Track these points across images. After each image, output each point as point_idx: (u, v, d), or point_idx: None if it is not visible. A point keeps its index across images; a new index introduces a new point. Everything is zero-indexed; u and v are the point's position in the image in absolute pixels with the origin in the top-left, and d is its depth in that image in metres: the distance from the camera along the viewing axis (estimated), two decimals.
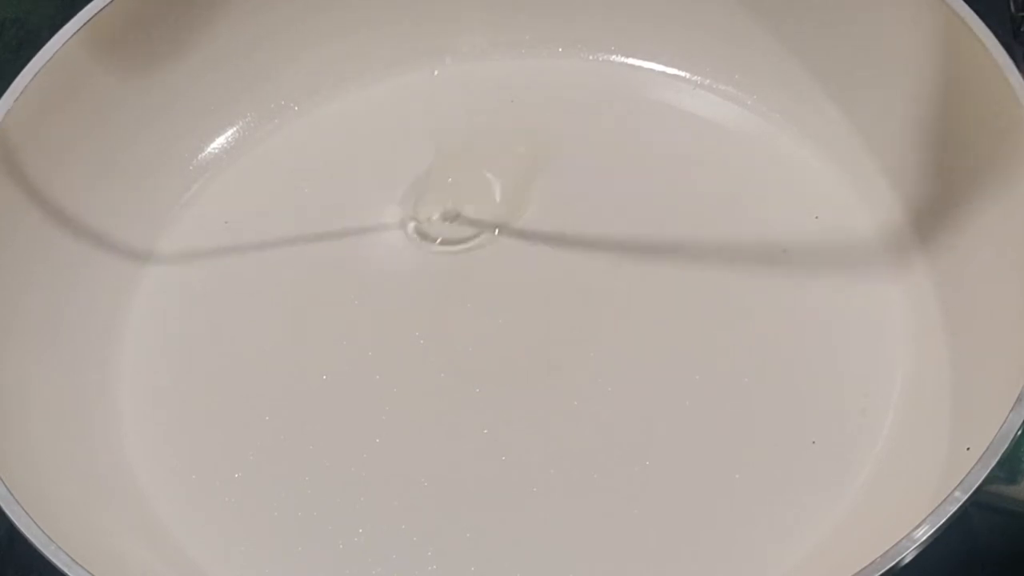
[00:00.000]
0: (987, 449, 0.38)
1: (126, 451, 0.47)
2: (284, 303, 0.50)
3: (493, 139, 0.54)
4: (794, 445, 0.44)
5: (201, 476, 0.46)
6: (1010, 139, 0.44)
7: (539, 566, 0.43)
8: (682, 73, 0.55)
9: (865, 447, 0.44)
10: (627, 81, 0.55)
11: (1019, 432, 0.38)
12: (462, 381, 0.47)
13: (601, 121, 0.54)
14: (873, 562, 0.36)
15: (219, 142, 0.55)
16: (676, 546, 0.43)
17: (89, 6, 0.50)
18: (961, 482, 0.37)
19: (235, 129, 0.55)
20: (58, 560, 0.38)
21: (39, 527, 0.39)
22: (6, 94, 0.48)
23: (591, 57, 0.56)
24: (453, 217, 0.52)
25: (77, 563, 0.38)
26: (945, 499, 0.37)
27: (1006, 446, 0.38)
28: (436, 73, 0.49)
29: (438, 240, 0.51)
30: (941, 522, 0.37)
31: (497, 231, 0.51)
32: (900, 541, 0.37)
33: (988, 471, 0.37)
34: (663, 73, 0.55)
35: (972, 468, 0.37)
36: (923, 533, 0.37)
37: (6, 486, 0.40)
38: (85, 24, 0.50)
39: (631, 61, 0.56)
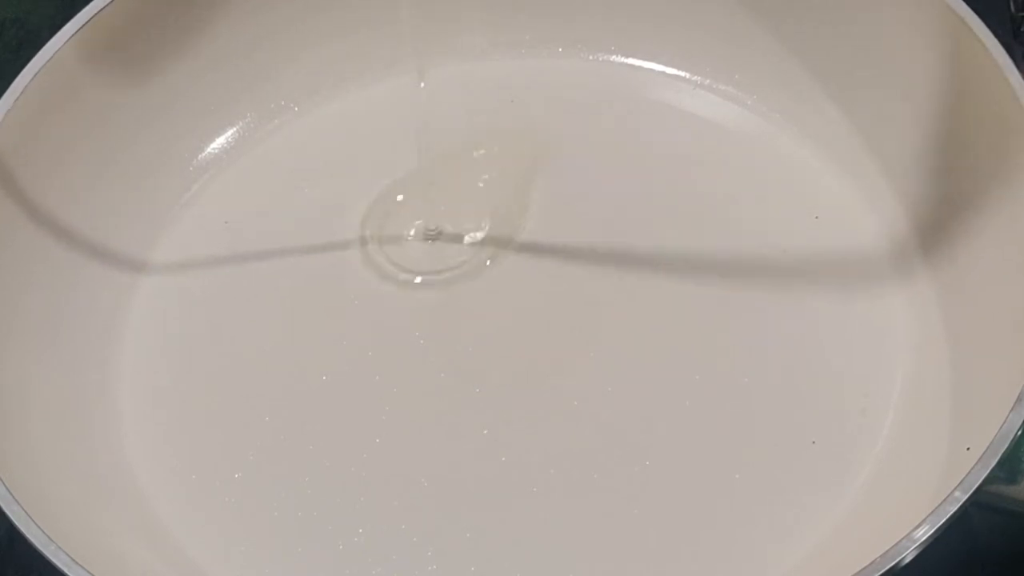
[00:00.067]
0: (987, 449, 0.38)
1: (126, 451, 0.47)
2: (284, 303, 0.50)
3: (493, 139, 0.54)
4: (794, 445, 0.44)
5: (201, 476, 0.46)
6: (1010, 139, 0.44)
7: (539, 566, 0.43)
8: (682, 73, 0.55)
9: (865, 447, 0.44)
10: (627, 81, 0.55)
11: (1019, 432, 0.38)
12: (462, 381, 0.47)
13: (601, 121, 0.54)
14: (873, 562, 0.36)
15: (219, 142, 0.55)
16: (676, 546, 0.43)
17: (89, 6, 0.50)
18: (961, 482, 0.37)
19: (235, 129, 0.55)
20: (58, 560, 0.38)
21: (39, 527, 0.39)
22: (6, 94, 0.48)
23: (591, 57, 0.56)
24: (452, 219, 0.52)
25: (77, 563, 0.38)
26: (945, 499, 0.37)
27: (1006, 446, 0.38)
28: (423, 85, 0.49)
29: (438, 241, 0.51)
30: (941, 522, 0.37)
31: (498, 232, 0.51)
32: (900, 541, 0.37)
33: (988, 471, 0.37)
34: (663, 73, 0.55)
35: (972, 468, 0.37)
36: (923, 533, 0.37)
37: (6, 486, 0.40)
38: (85, 24, 0.50)
39: (631, 61, 0.56)
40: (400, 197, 0.52)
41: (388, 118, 0.55)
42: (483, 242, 0.51)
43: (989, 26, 0.46)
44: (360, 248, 0.51)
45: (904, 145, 0.49)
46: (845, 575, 0.36)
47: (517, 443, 0.45)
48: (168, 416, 0.48)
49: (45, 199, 0.49)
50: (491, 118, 0.55)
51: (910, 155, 0.49)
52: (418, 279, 0.50)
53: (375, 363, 0.48)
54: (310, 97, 0.56)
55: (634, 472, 0.44)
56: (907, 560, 0.37)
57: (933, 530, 0.37)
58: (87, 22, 0.50)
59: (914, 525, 0.37)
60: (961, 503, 0.37)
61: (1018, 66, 0.44)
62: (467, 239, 0.51)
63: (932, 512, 0.37)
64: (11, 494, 0.40)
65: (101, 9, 0.50)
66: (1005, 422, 0.38)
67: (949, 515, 0.37)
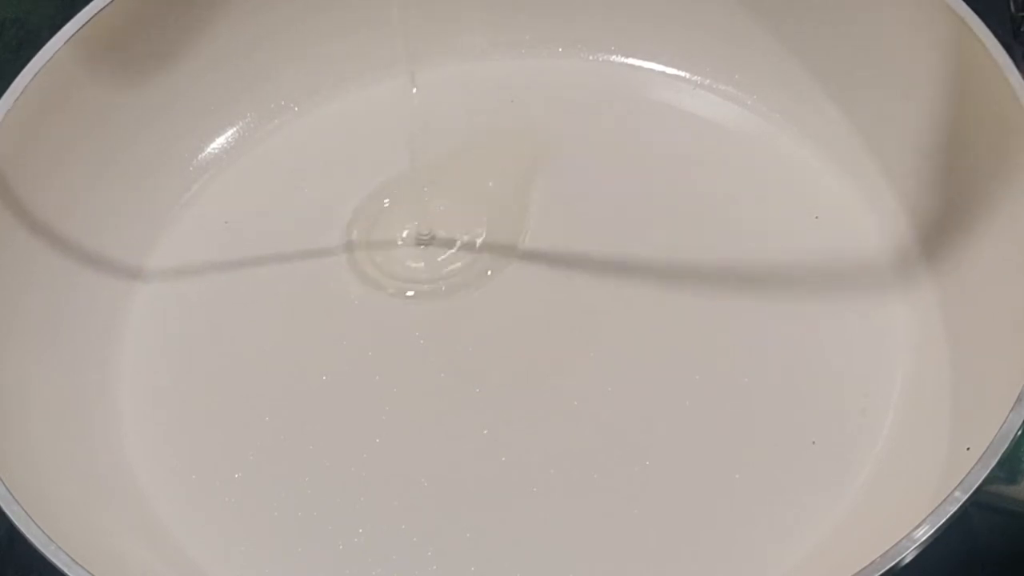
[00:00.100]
0: (987, 449, 0.38)
1: (126, 451, 0.47)
2: (284, 303, 0.50)
3: (493, 139, 0.54)
4: (794, 445, 0.44)
5: (201, 476, 0.46)
6: (1010, 139, 0.44)
7: (539, 566, 0.43)
8: (682, 73, 0.55)
9: (865, 447, 0.44)
10: (627, 81, 0.55)
11: (1019, 432, 0.38)
12: (462, 381, 0.47)
13: (601, 121, 0.54)
14: (873, 562, 0.36)
15: (219, 142, 0.55)
16: (676, 546, 0.43)
17: (89, 6, 0.50)
18: (961, 482, 0.37)
19: (235, 129, 0.55)
20: (58, 560, 0.38)
21: (39, 527, 0.39)
22: (6, 94, 0.48)
23: (591, 57, 0.56)
24: (451, 220, 0.52)
25: (77, 563, 0.38)
26: (945, 499, 0.37)
27: (1006, 446, 0.38)
28: (415, 91, 0.49)
29: (436, 245, 0.51)
30: (941, 522, 0.37)
31: (498, 232, 0.51)
32: (900, 541, 0.37)
33: (988, 471, 0.37)
34: (663, 73, 0.55)
35: (972, 468, 0.37)
36: (923, 533, 0.37)
37: (6, 486, 0.40)
38: (85, 24, 0.50)
39: (631, 61, 0.56)
40: (386, 202, 0.52)
41: (388, 118, 0.55)
42: (483, 242, 0.51)
43: (989, 26, 0.46)
44: (360, 248, 0.51)
45: (904, 145, 0.49)
46: (845, 575, 0.36)
47: (517, 443, 0.45)
48: (168, 416, 0.48)
49: (45, 199, 0.49)
50: (491, 118, 0.55)
51: (910, 155, 0.49)
52: (413, 290, 0.50)
53: (375, 363, 0.48)
54: (310, 97, 0.56)
55: (634, 472, 0.44)
56: (907, 560, 0.37)
57: (933, 530, 0.37)
58: (87, 22, 0.50)
59: (914, 525, 0.37)
60: (961, 503, 0.37)
61: (1018, 66, 0.44)
62: (466, 241, 0.51)
63: (932, 512, 0.37)
64: (11, 494, 0.40)
65: (101, 9, 0.50)
66: (1005, 422, 0.38)
67: (949, 515, 0.37)
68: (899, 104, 0.49)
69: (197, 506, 0.45)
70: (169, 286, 0.51)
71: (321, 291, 0.50)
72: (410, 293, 0.50)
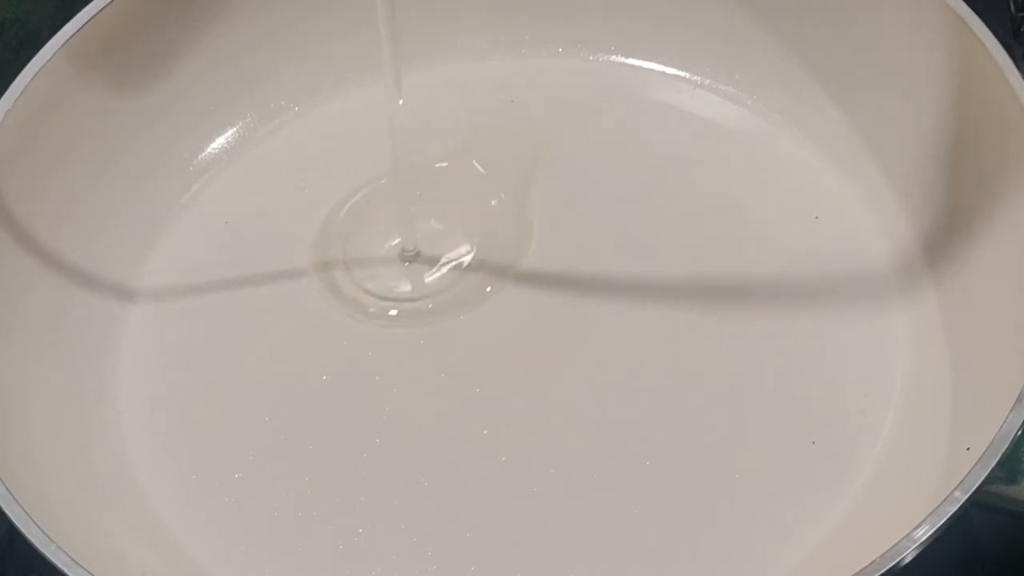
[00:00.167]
0: (987, 449, 0.38)
1: (126, 451, 0.47)
2: (284, 303, 0.50)
3: (493, 139, 0.54)
4: (794, 445, 0.44)
5: (201, 476, 0.46)
6: (1010, 139, 0.44)
7: (539, 566, 0.43)
8: (682, 73, 0.55)
9: (865, 447, 0.44)
10: (627, 81, 0.55)
11: (1019, 432, 0.38)
12: (462, 381, 0.47)
13: (601, 121, 0.54)
14: (873, 562, 0.36)
15: (219, 142, 0.55)
16: (676, 546, 0.43)
17: (89, 7, 0.50)
18: (961, 482, 0.37)
19: (235, 129, 0.55)
20: (58, 560, 0.38)
21: (39, 527, 0.39)
22: (6, 95, 0.48)
23: (591, 57, 0.56)
24: (450, 221, 0.52)
25: (77, 563, 0.38)
26: (945, 499, 0.37)
27: (1006, 446, 0.38)
28: (401, 103, 0.49)
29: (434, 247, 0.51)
30: (941, 522, 0.37)
31: (498, 232, 0.51)
32: (900, 541, 0.37)
33: (988, 471, 0.37)
34: (663, 73, 0.55)
35: (972, 468, 0.37)
36: (923, 533, 0.37)
37: (6, 486, 0.40)
38: (85, 24, 0.50)
39: (631, 61, 0.56)
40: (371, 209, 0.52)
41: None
42: (483, 243, 0.51)
43: (989, 26, 0.46)
44: (360, 248, 0.51)
45: (904, 145, 0.49)
46: (845, 575, 0.36)
47: (517, 443, 0.45)
48: (168, 416, 0.48)
49: (44, 199, 0.49)
50: (491, 118, 0.55)
51: (910, 155, 0.49)
52: (409, 296, 0.50)
53: (375, 363, 0.48)
54: (310, 97, 0.56)
55: (634, 472, 0.44)
56: (907, 560, 0.37)
57: (933, 530, 0.37)
58: (87, 22, 0.50)
59: (914, 525, 0.37)
60: (961, 503, 0.37)
61: (1018, 66, 0.44)
62: (466, 240, 0.51)
63: (932, 512, 0.37)
64: (11, 494, 0.40)
65: (101, 9, 0.50)
66: (1005, 422, 0.38)
67: (949, 515, 0.37)
68: (899, 104, 0.49)
69: (197, 506, 0.45)
70: (169, 286, 0.51)
71: (320, 291, 0.50)
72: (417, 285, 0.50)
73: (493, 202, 0.52)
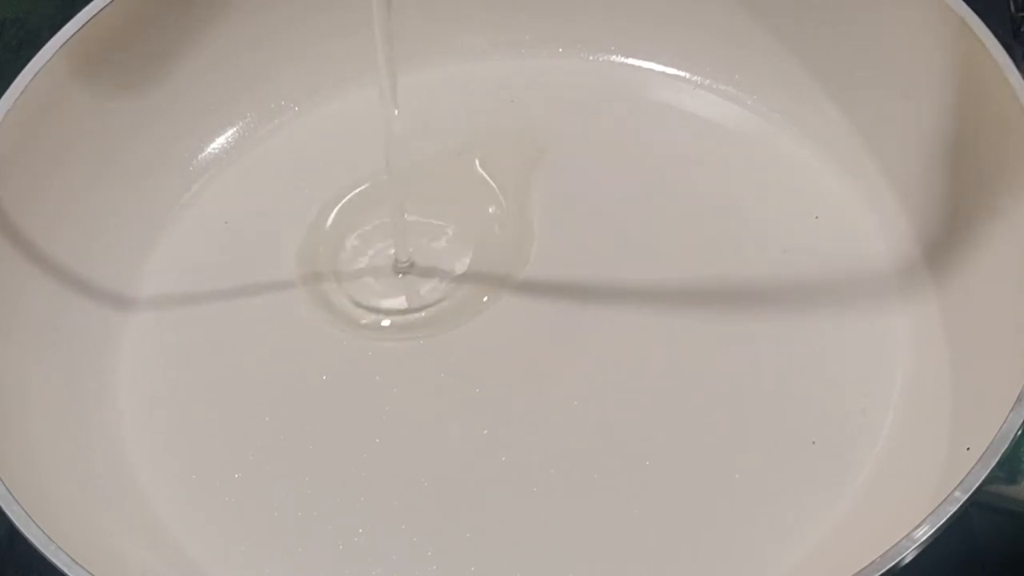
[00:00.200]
0: (987, 449, 0.38)
1: (126, 451, 0.47)
2: (284, 303, 0.50)
3: (493, 139, 0.54)
4: (794, 445, 0.44)
5: (201, 476, 0.46)
6: (1010, 139, 0.44)
7: (539, 566, 0.43)
8: (682, 73, 0.55)
9: (865, 447, 0.44)
10: (627, 81, 0.55)
11: (1019, 432, 0.38)
12: (462, 381, 0.47)
13: (601, 121, 0.54)
14: (873, 562, 0.36)
15: (219, 142, 0.55)
16: (676, 546, 0.43)
17: (89, 7, 0.50)
18: (961, 482, 0.37)
19: (235, 129, 0.55)
20: (58, 560, 0.38)
21: (39, 527, 0.39)
22: (6, 95, 0.48)
23: (591, 57, 0.56)
24: (448, 222, 0.52)
25: (77, 563, 0.38)
26: (945, 499, 0.37)
27: (1006, 446, 0.38)
28: (397, 112, 0.48)
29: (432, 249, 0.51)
30: (941, 522, 0.37)
31: (499, 232, 0.51)
32: (900, 541, 0.37)
33: (988, 471, 0.37)
34: (663, 73, 0.55)
35: (972, 468, 0.37)
36: (923, 533, 0.37)
37: (6, 486, 0.40)
38: (85, 24, 0.50)
39: (631, 61, 0.56)
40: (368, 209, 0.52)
41: None
42: (484, 243, 0.51)
43: (989, 26, 0.46)
44: (361, 248, 0.51)
45: (904, 145, 0.49)
46: (845, 575, 0.36)
47: (517, 443, 0.45)
48: (168, 416, 0.48)
49: (45, 199, 0.49)
50: (491, 118, 0.55)
51: (910, 155, 0.49)
52: (408, 298, 0.50)
53: (375, 363, 0.48)
54: (310, 97, 0.56)
55: (634, 472, 0.44)
56: (907, 560, 0.37)
57: (933, 530, 0.37)
58: (87, 22, 0.50)
59: (914, 525, 0.37)
60: (961, 503, 0.37)
61: (1018, 66, 0.44)
62: (462, 248, 0.51)
63: (932, 512, 0.37)
64: (11, 494, 0.40)
65: (101, 9, 0.50)
66: (1005, 422, 0.38)
67: (949, 515, 0.37)
68: (899, 104, 0.49)
69: (197, 506, 0.45)
70: (169, 286, 0.51)
71: (320, 291, 0.50)
72: (415, 281, 0.50)
73: (491, 208, 0.52)
